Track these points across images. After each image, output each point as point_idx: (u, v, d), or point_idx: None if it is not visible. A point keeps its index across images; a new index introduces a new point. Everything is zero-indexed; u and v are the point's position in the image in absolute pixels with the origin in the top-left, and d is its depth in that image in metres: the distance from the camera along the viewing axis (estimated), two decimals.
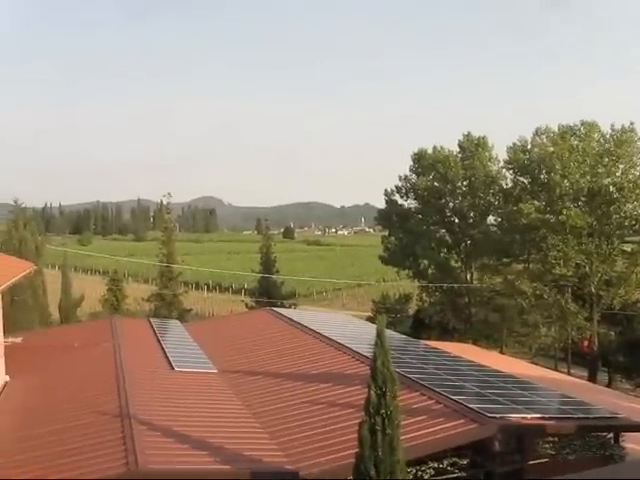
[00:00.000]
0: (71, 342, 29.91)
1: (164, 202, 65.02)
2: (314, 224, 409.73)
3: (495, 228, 53.07)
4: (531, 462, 18.55)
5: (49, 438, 18.01)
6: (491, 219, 54.16)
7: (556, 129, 48.51)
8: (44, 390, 23.65)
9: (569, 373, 42.13)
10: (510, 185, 51.58)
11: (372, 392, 12.16)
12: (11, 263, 28.59)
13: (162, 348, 28.79)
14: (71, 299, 50.92)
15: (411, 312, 57.93)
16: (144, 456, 15.21)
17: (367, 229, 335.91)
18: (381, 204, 59.10)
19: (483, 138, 52.79)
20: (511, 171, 51.25)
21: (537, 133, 49.55)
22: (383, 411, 12.06)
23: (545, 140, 49.02)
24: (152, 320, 37.79)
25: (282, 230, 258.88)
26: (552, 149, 46.95)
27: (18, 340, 29.01)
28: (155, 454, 15.65)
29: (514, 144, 50.36)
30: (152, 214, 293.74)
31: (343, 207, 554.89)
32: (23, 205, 52.85)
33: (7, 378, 25.18)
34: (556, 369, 42.48)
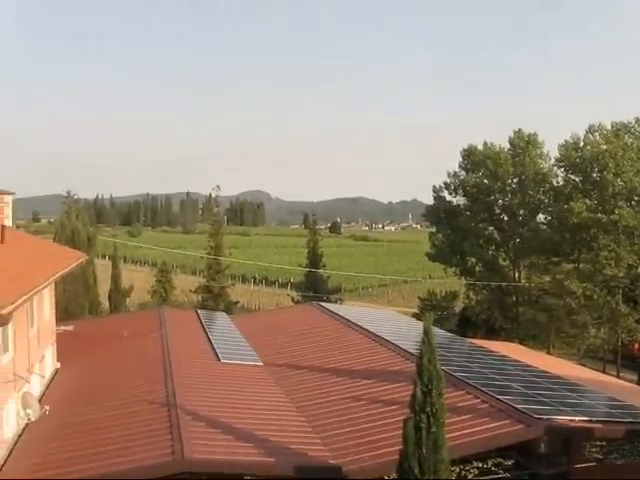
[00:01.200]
0: (120, 331, 30.43)
1: (213, 195, 65.37)
2: (361, 219, 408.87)
3: (545, 226, 52.28)
4: (577, 465, 18.31)
5: (97, 425, 18.37)
6: (541, 217, 53.29)
7: (609, 127, 47.62)
8: (93, 378, 24.11)
9: (618, 376, 41.29)
10: (561, 183, 50.74)
11: (418, 389, 12.13)
12: (64, 253, 29.17)
13: (209, 339, 29.11)
14: (121, 289, 51.62)
15: (457, 310, 57.46)
16: (190, 446, 15.41)
17: (414, 225, 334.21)
18: (429, 200, 58.72)
19: (534, 135, 51.94)
20: (562, 169, 50.38)
21: (590, 131, 48.65)
22: (428, 409, 12.03)
23: (598, 138, 48.08)
24: (199, 311, 38.22)
25: (329, 225, 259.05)
26: (605, 147, 46.01)
27: (70, 328, 29.67)
28: (201, 444, 15.85)
29: (566, 141, 49.50)
30: (201, 207, 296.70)
31: (390, 203, 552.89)
32: (75, 196, 53.93)
33: (58, 365, 25.74)
34: (604, 372, 41.75)
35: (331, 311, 35.33)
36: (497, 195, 52.92)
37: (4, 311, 13.14)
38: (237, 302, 56.27)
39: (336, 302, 50.94)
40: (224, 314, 39.87)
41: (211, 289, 51.99)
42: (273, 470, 15.63)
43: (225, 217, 77.97)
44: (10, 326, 16.70)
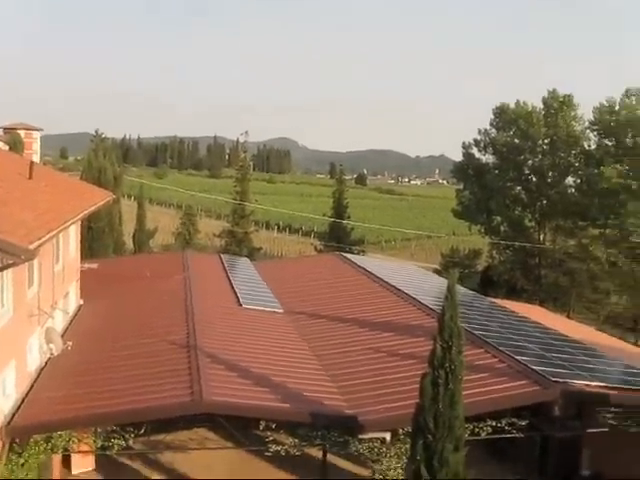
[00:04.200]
0: (143, 272, 30.70)
1: (241, 140, 65.18)
2: (387, 172, 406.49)
3: (573, 190, 51.58)
4: (590, 430, 18.38)
5: (118, 362, 18.68)
6: (570, 180, 52.46)
7: None
8: (115, 316, 24.44)
9: (637, 344, 41.12)
10: (593, 147, 49.90)
11: (438, 345, 12.14)
12: (91, 191, 29.32)
13: (231, 284, 29.29)
14: (145, 230, 51.82)
15: (480, 268, 57.24)
16: (208, 387, 15.64)
17: (441, 181, 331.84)
18: (457, 156, 58.03)
19: (569, 96, 50.82)
20: (595, 132, 49.53)
21: (627, 94, 47.56)
22: (447, 365, 12.05)
23: (634, 102, 47.05)
24: (223, 256, 38.40)
25: (355, 176, 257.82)
26: None
27: (94, 266, 30.00)
28: (219, 386, 16.07)
29: (601, 104, 48.42)
30: (227, 152, 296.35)
31: (418, 157, 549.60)
32: (103, 135, 54.04)
33: (81, 302, 26.10)
34: (623, 339, 41.57)
35: (354, 262, 35.34)
36: (527, 155, 52.13)
37: (31, 246, 13.26)
38: (260, 248, 56.44)
39: (359, 254, 50.92)
40: (247, 260, 40.04)
41: (235, 234, 52.13)
42: (289, 416, 15.85)
43: (252, 163, 77.69)
44: (36, 261, 16.88)
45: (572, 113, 50.58)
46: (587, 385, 18.12)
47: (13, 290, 15.81)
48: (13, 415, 15.40)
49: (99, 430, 15.84)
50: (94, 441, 15.63)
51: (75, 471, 18.73)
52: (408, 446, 13.65)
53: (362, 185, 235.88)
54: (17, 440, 14.92)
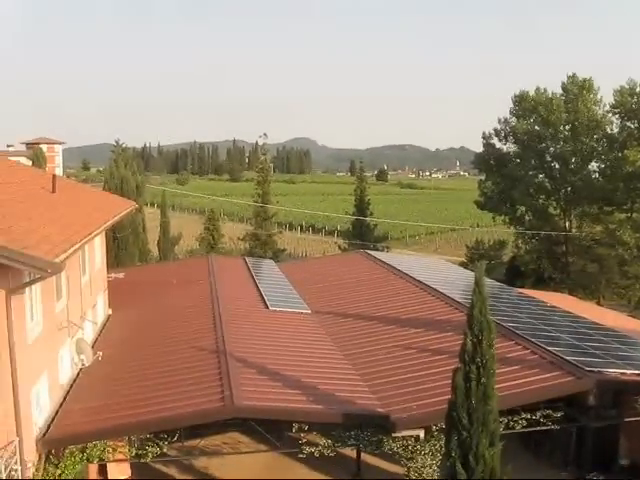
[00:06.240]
0: (170, 278, 30.81)
1: (260, 143, 65.10)
2: (408, 167, 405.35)
3: (597, 175, 50.97)
4: (628, 419, 18.12)
5: (148, 371, 18.72)
6: (594, 165, 51.84)
7: None
8: (144, 324, 24.52)
9: None
10: (616, 130, 49.26)
11: (468, 340, 11.99)
12: (114, 201, 29.48)
13: (257, 287, 29.29)
14: (169, 237, 52.19)
15: (505, 259, 56.81)
16: (239, 392, 15.62)
17: (462, 173, 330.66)
18: (477, 147, 57.71)
19: (589, 80, 50.30)
20: (617, 115, 48.90)
21: None
22: (478, 359, 11.89)
23: None
24: (247, 259, 38.45)
25: (376, 172, 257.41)
26: None
27: (120, 275, 30.18)
28: (250, 390, 16.05)
29: (622, 87, 47.84)
30: (247, 154, 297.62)
31: (438, 150, 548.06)
32: (124, 145, 54.38)
33: (110, 311, 26.23)
34: None
35: (379, 259, 35.21)
36: (548, 142, 51.60)
37: (57, 260, 13.31)
38: (284, 249, 56.51)
39: (383, 250, 50.77)
40: (271, 261, 40.07)
41: (258, 237, 52.25)
42: (321, 417, 15.78)
43: (272, 165, 77.66)
44: (63, 274, 16.96)
45: (592, 97, 49.93)
46: (622, 374, 17.87)
47: (42, 303, 15.90)
48: (48, 427, 15.50)
49: (133, 438, 15.89)
50: (129, 450, 15.68)
51: None
52: (442, 443, 13.53)
53: (383, 181, 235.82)
54: (53, 451, 15.01)
